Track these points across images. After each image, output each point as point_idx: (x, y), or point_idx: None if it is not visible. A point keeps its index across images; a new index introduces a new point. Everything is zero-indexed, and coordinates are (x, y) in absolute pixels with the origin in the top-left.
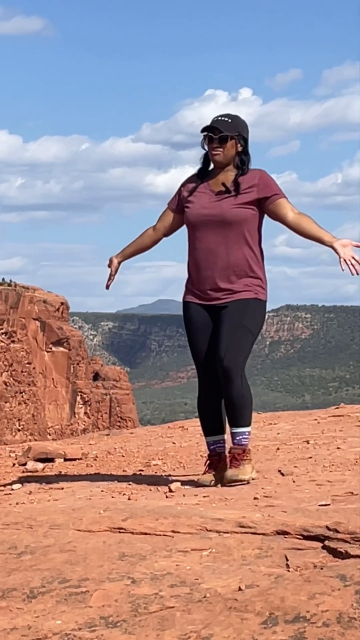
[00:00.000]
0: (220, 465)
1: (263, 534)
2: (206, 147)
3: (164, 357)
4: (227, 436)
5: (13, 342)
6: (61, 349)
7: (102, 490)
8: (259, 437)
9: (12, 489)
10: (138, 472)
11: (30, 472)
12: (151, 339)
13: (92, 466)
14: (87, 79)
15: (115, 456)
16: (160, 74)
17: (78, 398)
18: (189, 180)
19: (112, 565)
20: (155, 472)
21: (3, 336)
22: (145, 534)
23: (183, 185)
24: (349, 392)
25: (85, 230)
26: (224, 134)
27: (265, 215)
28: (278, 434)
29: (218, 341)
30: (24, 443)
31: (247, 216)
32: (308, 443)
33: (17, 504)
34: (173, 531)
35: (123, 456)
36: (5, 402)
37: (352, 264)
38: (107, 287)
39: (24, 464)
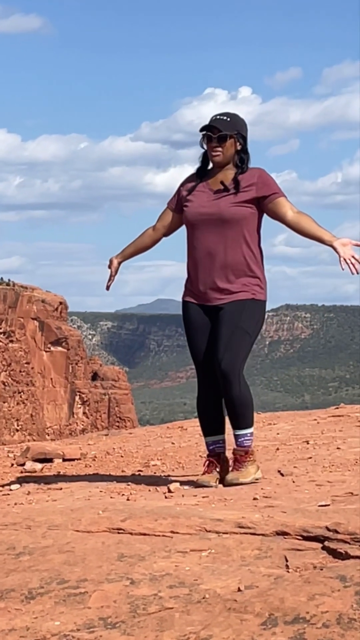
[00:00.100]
0: (219, 465)
1: (262, 535)
2: (205, 146)
3: (163, 357)
4: (227, 436)
5: (11, 341)
6: (60, 348)
7: (100, 491)
8: (259, 437)
9: (11, 490)
10: (137, 473)
11: (28, 472)
12: (150, 338)
13: (90, 466)
14: (85, 78)
15: (114, 456)
16: (159, 72)
17: (77, 398)
18: (188, 179)
19: (111, 566)
20: (154, 473)
21: (1, 336)
22: (144, 534)
23: (182, 184)
24: (348, 392)
25: (84, 229)
26: (223, 132)
27: (265, 215)
28: (277, 434)
29: (215, 344)
30: (22, 443)
31: (246, 215)
32: (308, 443)
33: (15, 504)
34: (172, 532)
35: (122, 456)
36: (4, 402)
37: (352, 263)
38: (108, 287)
39: (23, 464)
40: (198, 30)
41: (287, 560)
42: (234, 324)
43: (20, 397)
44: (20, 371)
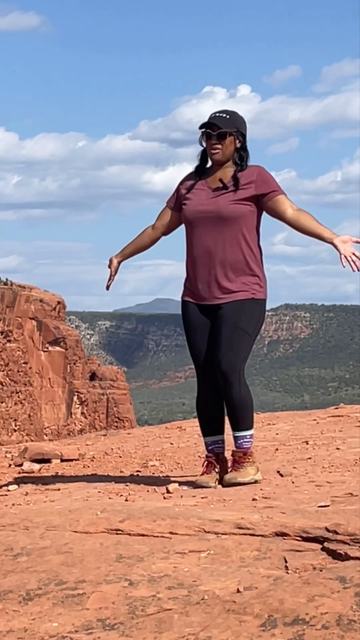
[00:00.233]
0: (218, 466)
1: (262, 536)
2: (204, 144)
3: (161, 357)
4: (226, 436)
5: (9, 341)
6: (58, 348)
7: (99, 492)
8: (258, 437)
9: (8, 490)
10: (135, 473)
11: (26, 473)
12: (149, 338)
13: (89, 467)
14: (84, 76)
15: (112, 457)
16: (157, 70)
17: (75, 398)
18: (187, 177)
19: (109, 567)
20: (153, 473)
21: None
22: (143, 535)
23: (181, 183)
24: (348, 392)
25: (82, 228)
26: (223, 130)
27: (264, 213)
28: (277, 434)
29: (215, 345)
30: (20, 444)
31: (244, 212)
32: (307, 444)
33: (13, 505)
34: (171, 533)
35: (120, 457)
36: (1, 402)
37: (352, 261)
38: (108, 287)
39: (20, 465)
40: (197, 29)
41: (286, 562)
42: (234, 324)
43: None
44: (18, 371)
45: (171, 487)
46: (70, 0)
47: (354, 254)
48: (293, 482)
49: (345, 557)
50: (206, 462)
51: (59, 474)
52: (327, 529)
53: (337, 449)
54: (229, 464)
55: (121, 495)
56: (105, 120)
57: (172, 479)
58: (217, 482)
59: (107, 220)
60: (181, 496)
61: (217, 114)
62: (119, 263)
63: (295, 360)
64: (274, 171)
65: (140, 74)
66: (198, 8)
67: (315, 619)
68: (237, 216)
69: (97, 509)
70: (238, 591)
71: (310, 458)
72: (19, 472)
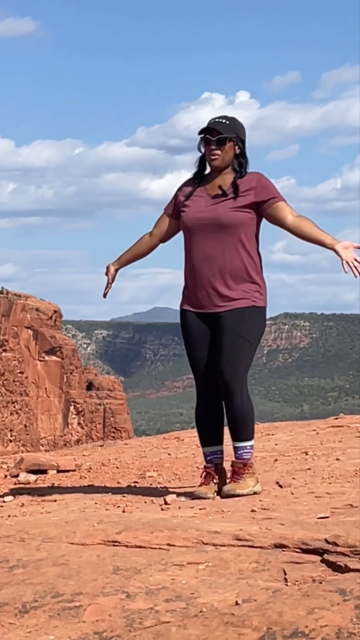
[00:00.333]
0: (217, 477)
1: (260, 547)
2: (203, 150)
3: (159, 366)
4: (225, 447)
5: (5, 350)
6: (54, 358)
7: (95, 503)
8: (257, 448)
9: (4, 502)
10: (133, 484)
11: (22, 484)
12: (146, 347)
13: (85, 478)
14: (80, 82)
15: (109, 468)
16: (155, 76)
17: (71, 408)
18: (186, 184)
19: (106, 579)
20: (151, 484)
21: None
22: (140, 547)
23: (179, 189)
24: (348, 402)
25: (79, 236)
26: (223, 135)
27: (263, 221)
28: (276, 444)
29: (217, 354)
30: (16, 454)
31: (244, 220)
32: (307, 454)
33: (9, 516)
34: (168, 544)
35: (117, 468)
36: None
37: (354, 266)
38: (105, 295)
39: (16, 476)
40: (195, 34)
41: (285, 574)
42: (235, 333)
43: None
44: (13, 381)
45: (169, 498)
46: (66, 6)
47: (355, 259)
48: (292, 493)
49: (345, 569)
50: (204, 473)
51: (56, 485)
52: (326, 541)
53: (337, 459)
54: (228, 475)
55: (118, 506)
56: (102, 127)
57: (170, 490)
58: (215, 494)
59: (103, 228)
60: (179, 507)
61: (217, 120)
62: (116, 271)
63: (295, 369)
64: (273, 178)
65: (138, 80)
66: (196, 13)
67: (315, 631)
68: (236, 223)
69: (93, 521)
70: (237, 603)
71: (309, 469)
72: (15, 483)
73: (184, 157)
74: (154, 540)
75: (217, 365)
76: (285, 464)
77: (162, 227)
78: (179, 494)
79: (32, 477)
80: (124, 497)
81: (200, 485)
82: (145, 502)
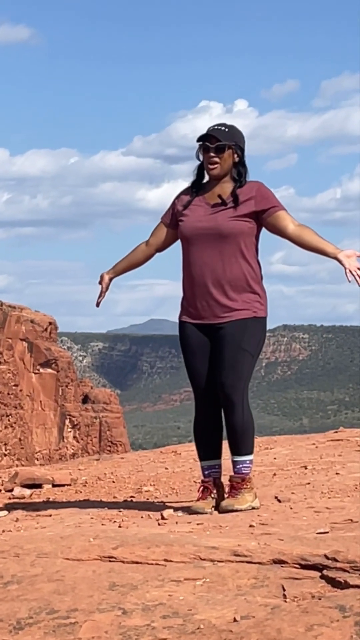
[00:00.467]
0: (215, 491)
1: (259, 563)
2: (201, 158)
3: (156, 379)
4: (223, 461)
5: None
6: (49, 370)
7: (91, 518)
8: (255, 462)
9: None
10: (129, 499)
11: (17, 498)
12: (143, 360)
13: (81, 492)
14: (76, 90)
15: (105, 482)
16: (152, 84)
17: (67, 421)
18: (183, 193)
19: (102, 596)
20: (147, 499)
21: None
22: (137, 562)
23: (177, 198)
24: (348, 416)
25: (74, 247)
26: (222, 142)
27: (262, 231)
28: (275, 459)
29: (218, 367)
30: (10, 468)
31: (244, 229)
32: (306, 468)
33: (3, 531)
34: (165, 560)
35: (113, 482)
36: None
37: (358, 275)
38: (98, 304)
39: (11, 490)
40: (193, 41)
41: (284, 590)
42: (237, 345)
43: (8, 420)
44: (8, 394)
45: (166, 513)
46: (62, 13)
47: (358, 268)
48: (291, 508)
49: (344, 585)
50: (202, 488)
51: (51, 499)
52: (326, 557)
53: (337, 474)
54: (226, 490)
55: (114, 521)
56: (98, 136)
57: (167, 504)
58: (213, 509)
59: (99, 239)
60: (176, 522)
61: (216, 127)
62: (111, 279)
63: (294, 382)
64: (271, 188)
65: (134, 88)
66: (194, 20)
67: None
68: (236, 233)
69: (89, 536)
70: (235, 620)
71: (309, 483)
72: (10, 498)
73: (181, 167)
74: (150, 555)
75: (218, 378)
76: (284, 479)
77: (159, 237)
78: (176, 509)
79: (27, 492)
80: (120, 511)
81: (198, 500)
82: (142, 517)
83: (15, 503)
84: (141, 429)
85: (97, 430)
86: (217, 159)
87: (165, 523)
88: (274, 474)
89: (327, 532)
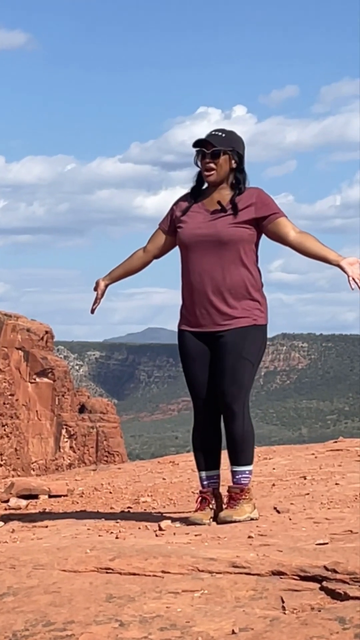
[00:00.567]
0: (214, 502)
1: (258, 575)
2: (199, 164)
3: (153, 389)
4: (221, 471)
5: None
6: (45, 379)
7: (88, 529)
8: (254, 472)
9: None
10: (126, 510)
11: (13, 509)
12: (140, 369)
13: (78, 503)
14: (72, 96)
15: (102, 492)
16: (149, 90)
17: (63, 431)
18: (182, 199)
19: (99, 608)
20: (145, 510)
21: None
22: (134, 574)
23: (175, 204)
24: (348, 425)
25: (71, 254)
26: (217, 148)
27: (262, 238)
28: (273, 469)
29: (218, 376)
30: (6, 479)
31: (244, 236)
32: (305, 479)
33: None
34: (163, 571)
35: (111, 492)
36: None
37: None
38: (92, 311)
39: (7, 501)
40: (190, 47)
41: (283, 601)
42: (237, 353)
43: (4, 430)
44: (4, 403)
45: (163, 524)
46: (58, 18)
47: None
48: (290, 519)
49: (344, 597)
50: (200, 498)
51: (47, 510)
52: (325, 568)
53: (336, 484)
54: (224, 501)
55: (111, 532)
56: (94, 143)
57: (165, 515)
58: (211, 519)
59: (96, 247)
60: (174, 533)
61: (213, 132)
62: (106, 286)
63: (293, 392)
64: (270, 195)
65: (132, 94)
66: (191, 26)
67: None
68: (236, 239)
69: (86, 547)
70: (233, 632)
71: (308, 494)
72: (5, 509)
73: (179, 174)
74: (148, 567)
75: (218, 387)
76: (283, 489)
77: (156, 243)
78: (173, 520)
79: (23, 503)
80: (117, 522)
81: (196, 510)
82: (139, 528)
83: (11, 514)
84: (138, 439)
85: (94, 440)
86: (212, 165)
87: (162, 534)
88: (273, 485)
89: (326, 543)
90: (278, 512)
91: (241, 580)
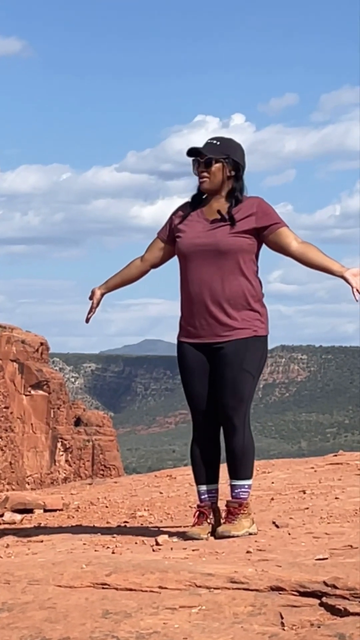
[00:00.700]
0: (212, 516)
1: (256, 590)
2: (195, 172)
3: (150, 401)
4: (220, 485)
5: None
6: (41, 392)
7: (84, 544)
8: (253, 486)
9: None
10: (123, 524)
11: (7, 523)
12: (137, 381)
13: (73, 517)
14: (68, 104)
15: (98, 507)
16: (146, 98)
17: (59, 445)
18: (181, 208)
19: (95, 624)
20: (141, 524)
21: None
22: (131, 590)
23: (174, 213)
24: (347, 439)
25: (66, 265)
26: (208, 157)
27: (262, 248)
28: (272, 483)
29: (218, 388)
30: (0, 493)
31: (243, 246)
32: (304, 493)
33: None
34: (160, 587)
35: (107, 507)
36: None
37: None
38: (87, 320)
39: (1, 515)
40: (188, 54)
41: (282, 617)
42: (238, 366)
43: None
44: None
45: (160, 538)
46: (54, 25)
47: None
48: (289, 534)
49: (344, 613)
50: (198, 513)
51: (42, 525)
52: (325, 583)
53: (336, 498)
54: (223, 515)
55: (108, 547)
56: (90, 151)
57: (162, 530)
58: (209, 534)
59: (92, 257)
60: (171, 548)
61: (208, 141)
62: (102, 295)
63: (292, 404)
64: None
65: (128, 102)
66: (189, 33)
67: None
68: (236, 249)
69: (82, 562)
70: None
71: (307, 508)
72: (0, 523)
73: (176, 183)
74: (145, 582)
75: (218, 400)
76: (282, 503)
77: (155, 252)
78: (171, 535)
79: (18, 517)
80: (113, 537)
81: (194, 525)
82: (136, 543)
83: (5, 528)
84: (135, 452)
85: (89, 454)
86: (205, 173)
87: (159, 549)
88: (272, 499)
89: (326, 559)
90: (277, 526)
91: (239, 596)
